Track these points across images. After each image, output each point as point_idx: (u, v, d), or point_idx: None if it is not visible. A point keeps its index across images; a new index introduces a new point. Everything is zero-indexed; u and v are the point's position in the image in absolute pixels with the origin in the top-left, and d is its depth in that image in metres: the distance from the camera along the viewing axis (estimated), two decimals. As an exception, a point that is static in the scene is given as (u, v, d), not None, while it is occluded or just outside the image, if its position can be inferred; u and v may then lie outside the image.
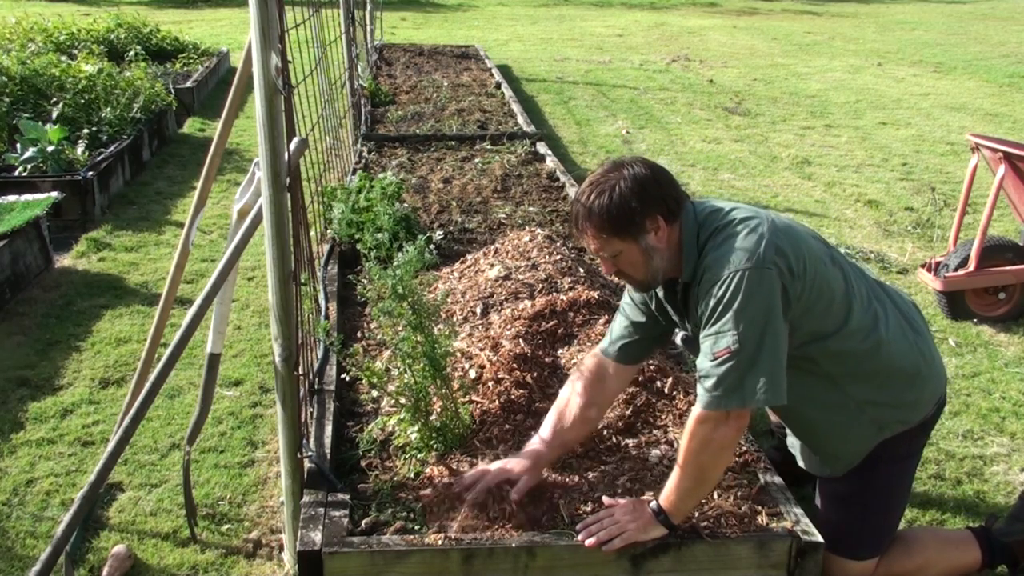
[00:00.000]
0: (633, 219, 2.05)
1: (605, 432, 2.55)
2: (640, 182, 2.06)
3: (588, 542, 2.06)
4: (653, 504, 2.11)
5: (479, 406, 2.60)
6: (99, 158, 5.41)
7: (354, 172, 5.16)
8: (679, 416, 2.63)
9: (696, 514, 2.20)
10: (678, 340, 2.31)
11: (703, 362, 2.03)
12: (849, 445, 2.21)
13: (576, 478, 2.36)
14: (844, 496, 2.28)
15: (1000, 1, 20.73)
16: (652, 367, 2.83)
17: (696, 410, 2.06)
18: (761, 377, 1.97)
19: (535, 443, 2.34)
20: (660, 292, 2.25)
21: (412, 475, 2.36)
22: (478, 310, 3.22)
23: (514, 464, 2.28)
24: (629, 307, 2.36)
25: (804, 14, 17.90)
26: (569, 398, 2.35)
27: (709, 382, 2.01)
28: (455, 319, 3.18)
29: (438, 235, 4.22)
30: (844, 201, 5.98)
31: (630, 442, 2.52)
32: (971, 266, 4.04)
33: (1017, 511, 2.49)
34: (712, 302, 2.01)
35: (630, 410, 2.63)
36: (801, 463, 2.40)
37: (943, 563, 2.38)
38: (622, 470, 2.40)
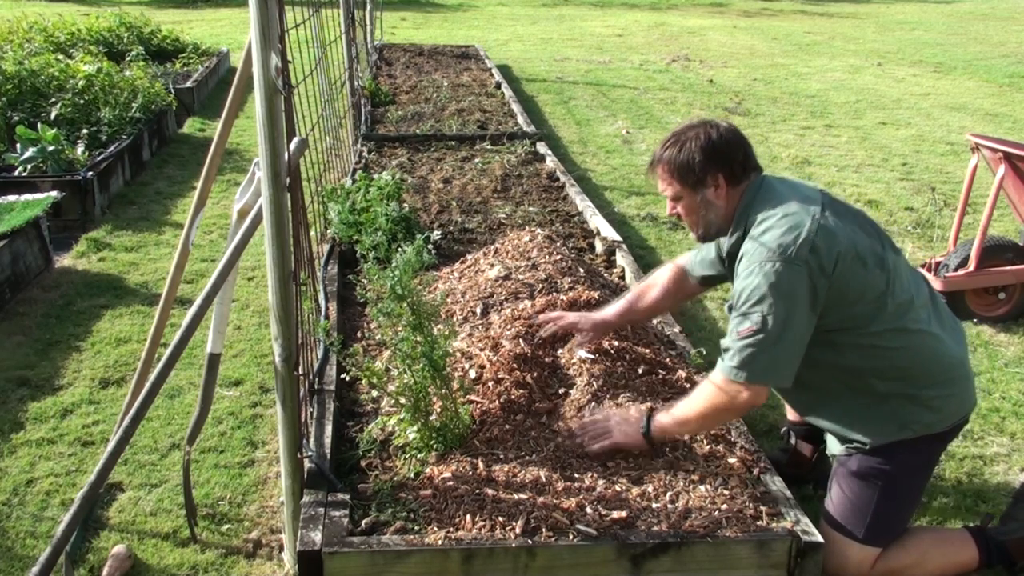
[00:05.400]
0: (695, 170, 2.33)
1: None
2: (711, 141, 2.33)
3: (578, 440, 2.45)
4: (643, 428, 2.39)
5: (479, 406, 2.60)
6: (99, 158, 5.41)
7: (354, 172, 5.16)
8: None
9: (696, 514, 2.21)
10: (728, 308, 2.42)
11: (728, 339, 2.26)
12: (868, 434, 2.29)
13: (577, 477, 2.36)
14: (856, 474, 2.32)
15: (1000, 1, 20.73)
16: (652, 367, 2.83)
17: (715, 377, 2.28)
18: (773, 360, 2.20)
19: (605, 312, 2.84)
20: (725, 246, 2.44)
21: (412, 475, 2.36)
22: (478, 310, 3.22)
23: (585, 322, 2.81)
24: (715, 246, 2.58)
25: (804, 14, 17.91)
26: (649, 288, 2.82)
27: (728, 355, 2.25)
28: (455, 319, 3.18)
29: (437, 235, 4.22)
30: (844, 201, 5.99)
31: (630, 442, 2.52)
32: (971, 266, 4.04)
33: (1011, 510, 2.50)
34: (743, 285, 2.21)
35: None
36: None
37: (939, 559, 2.38)
38: (621, 469, 2.40)
